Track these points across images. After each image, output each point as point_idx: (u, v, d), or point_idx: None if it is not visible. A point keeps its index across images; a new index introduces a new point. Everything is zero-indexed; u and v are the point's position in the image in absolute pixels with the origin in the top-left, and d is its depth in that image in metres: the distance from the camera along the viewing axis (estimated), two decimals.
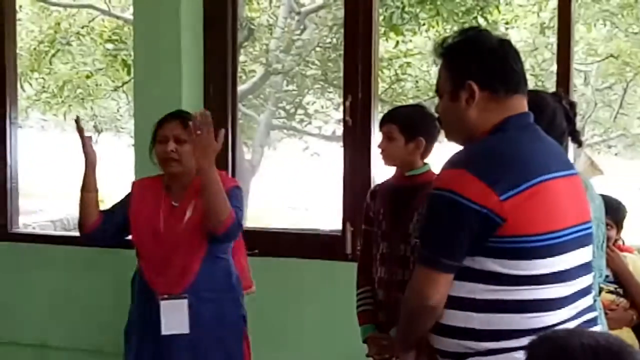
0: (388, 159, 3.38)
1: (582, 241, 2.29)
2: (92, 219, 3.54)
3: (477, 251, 2.18)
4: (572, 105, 3.06)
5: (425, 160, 3.37)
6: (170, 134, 3.49)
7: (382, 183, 3.51)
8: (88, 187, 3.54)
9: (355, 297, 3.50)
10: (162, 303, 3.43)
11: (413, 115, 3.38)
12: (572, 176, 2.33)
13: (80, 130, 3.51)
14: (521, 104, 2.32)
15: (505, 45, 2.33)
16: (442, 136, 2.67)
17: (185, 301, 3.43)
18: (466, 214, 2.14)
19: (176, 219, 3.50)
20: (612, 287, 3.85)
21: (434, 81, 2.44)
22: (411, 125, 3.31)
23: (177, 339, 3.45)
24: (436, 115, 2.51)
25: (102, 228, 3.57)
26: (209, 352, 3.51)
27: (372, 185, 4.51)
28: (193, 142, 3.31)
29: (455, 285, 2.21)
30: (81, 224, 3.58)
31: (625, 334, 3.80)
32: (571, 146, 3.05)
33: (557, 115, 2.88)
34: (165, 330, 3.43)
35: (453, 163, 2.24)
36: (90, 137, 3.55)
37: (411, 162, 3.33)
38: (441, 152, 2.69)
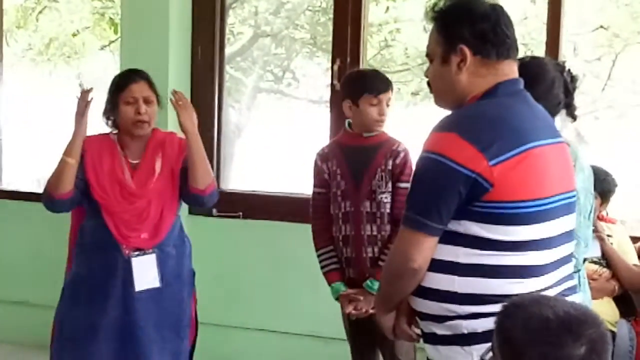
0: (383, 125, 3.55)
1: (567, 209, 2.30)
2: (69, 186, 3.43)
3: (463, 215, 2.18)
4: (573, 78, 3.05)
5: None
6: (139, 96, 3.45)
7: (329, 145, 3.66)
8: (73, 154, 3.41)
9: (318, 258, 3.56)
10: (134, 260, 3.43)
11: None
12: (559, 144, 2.33)
13: (84, 98, 3.43)
14: (512, 70, 2.30)
15: (497, 10, 2.31)
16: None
17: (154, 256, 3.46)
18: (455, 177, 2.14)
19: (144, 176, 3.48)
20: (595, 257, 3.87)
21: (424, 48, 2.43)
22: None
23: (145, 293, 3.47)
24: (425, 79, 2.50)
25: (73, 198, 3.48)
26: (170, 305, 3.56)
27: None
28: (180, 110, 3.39)
29: (438, 248, 2.21)
30: (55, 189, 3.42)
31: (606, 304, 3.83)
32: (559, 117, 3.05)
33: (555, 85, 2.88)
34: (138, 287, 3.44)
35: (444, 127, 2.22)
36: (88, 107, 3.44)
37: None
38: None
